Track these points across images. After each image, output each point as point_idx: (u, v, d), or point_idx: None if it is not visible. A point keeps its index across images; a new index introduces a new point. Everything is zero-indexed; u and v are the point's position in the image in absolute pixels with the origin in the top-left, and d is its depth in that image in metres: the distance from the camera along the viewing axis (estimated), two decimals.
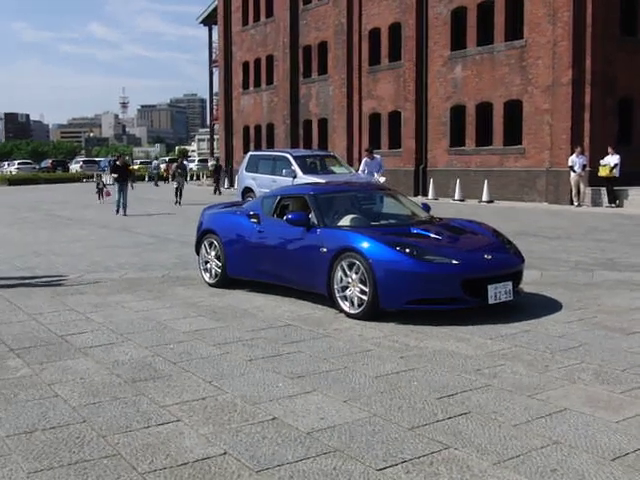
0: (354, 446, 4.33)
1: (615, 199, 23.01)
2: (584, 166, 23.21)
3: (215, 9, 45.88)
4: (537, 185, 25.51)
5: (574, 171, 23.21)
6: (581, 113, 24.11)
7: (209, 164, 40.05)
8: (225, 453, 4.30)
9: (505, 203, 25.49)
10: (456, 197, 26.86)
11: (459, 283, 7.30)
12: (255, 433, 4.59)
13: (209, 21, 49.29)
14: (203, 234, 10.21)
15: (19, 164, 73.01)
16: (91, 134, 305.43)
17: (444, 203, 26.55)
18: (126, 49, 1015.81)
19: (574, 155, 23.26)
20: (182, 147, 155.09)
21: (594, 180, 23.52)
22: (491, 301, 7.46)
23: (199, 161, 71.25)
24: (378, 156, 21.36)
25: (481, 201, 25.91)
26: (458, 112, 28.67)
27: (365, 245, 7.57)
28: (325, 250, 7.99)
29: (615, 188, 23.07)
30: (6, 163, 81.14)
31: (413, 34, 29.87)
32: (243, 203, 10.50)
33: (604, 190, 23.33)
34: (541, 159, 25.42)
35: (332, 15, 34.57)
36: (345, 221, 8.49)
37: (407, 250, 7.43)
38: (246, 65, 42.31)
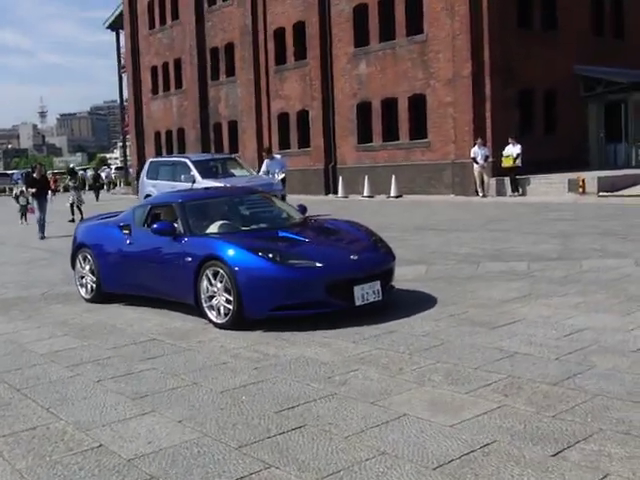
0: (172, 472, 4.08)
1: (518, 188, 23.39)
2: (486, 157, 23.51)
3: (121, 13, 44.93)
4: (444, 178, 25.73)
5: (477, 162, 23.49)
6: (482, 105, 24.41)
7: (88, 174, 38.75)
8: None
9: (413, 197, 25.63)
10: (365, 194, 26.86)
11: (323, 286, 7.13)
12: (74, 464, 4.30)
13: (116, 25, 48.20)
14: (77, 248, 9.84)
15: None
16: (9, 146, 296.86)
17: (353, 200, 26.57)
18: (41, 57, 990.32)
19: (476, 147, 23.54)
20: (102, 155, 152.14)
21: (499, 171, 23.85)
22: (358, 302, 7.31)
23: (116, 169, 69.47)
24: (278, 156, 21.29)
25: (389, 196, 25.99)
26: (364, 108, 28.70)
27: (227, 252, 7.34)
28: (190, 259, 7.73)
29: (517, 177, 23.45)
30: None
31: (317, 32, 29.76)
32: (118, 214, 10.14)
33: (508, 180, 23.68)
34: (447, 152, 25.65)
35: (237, 16, 34.20)
36: (213, 228, 8.25)
37: (270, 255, 7.23)
38: (154, 69, 41.55)
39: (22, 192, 25.02)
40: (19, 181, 53.45)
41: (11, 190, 53.25)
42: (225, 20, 35.39)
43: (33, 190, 20.03)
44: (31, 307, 9.60)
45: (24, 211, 23.87)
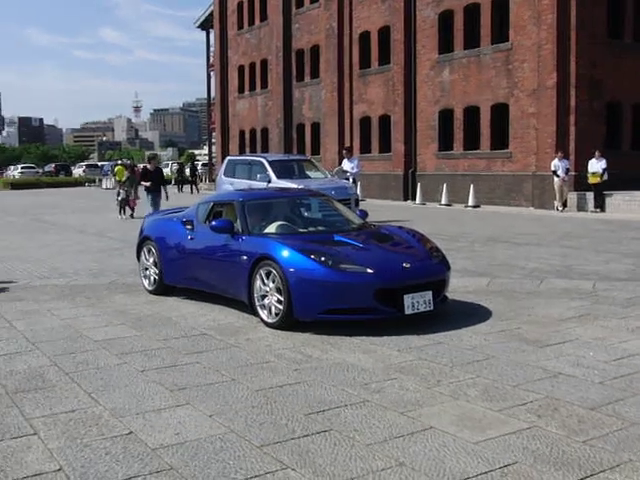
0: (192, 464, 4.17)
1: (602, 204, 22.71)
2: (567, 170, 22.94)
3: (212, 13, 45.84)
4: (524, 190, 25.25)
5: (557, 175, 22.94)
6: (566, 117, 23.84)
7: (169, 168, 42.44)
8: (60, 469, 4.16)
9: (491, 208, 25.21)
10: (443, 202, 26.59)
11: (372, 293, 7.12)
12: (102, 448, 4.45)
13: (206, 25, 49.21)
14: (143, 240, 10.11)
15: (22, 168, 73.20)
16: (104, 138, 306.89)
17: (430, 208, 26.35)
18: (138, 54, 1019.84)
19: (556, 159, 22.99)
20: (191, 151, 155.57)
21: (581, 185, 23.25)
22: (407, 311, 7.26)
23: (202, 165, 70.69)
24: (357, 158, 21.72)
25: (467, 206, 25.64)
26: (446, 116, 28.45)
27: (280, 253, 7.41)
28: (245, 258, 7.85)
29: (603, 192, 22.78)
30: (12, 167, 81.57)
31: (401, 37, 29.67)
32: (184, 209, 10.36)
33: (590, 195, 23.05)
34: (527, 163, 25.16)
35: (323, 19, 34.43)
36: (271, 228, 8.35)
37: (322, 259, 7.27)
38: (241, 69, 42.24)
39: (121, 184, 24.22)
40: (109, 172, 55.22)
41: (100, 181, 55.10)
42: (312, 22, 35.68)
43: (147, 184, 19.52)
44: (96, 295, 9.92)
45: (123, 204, 23.20)
